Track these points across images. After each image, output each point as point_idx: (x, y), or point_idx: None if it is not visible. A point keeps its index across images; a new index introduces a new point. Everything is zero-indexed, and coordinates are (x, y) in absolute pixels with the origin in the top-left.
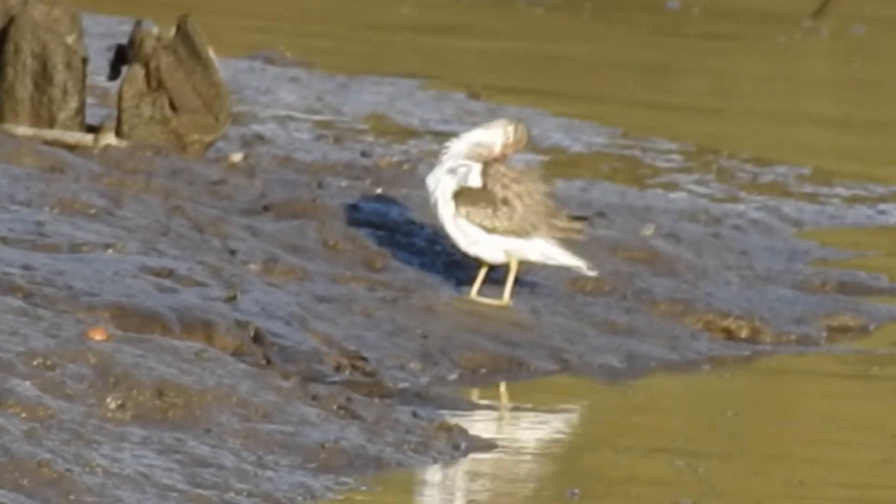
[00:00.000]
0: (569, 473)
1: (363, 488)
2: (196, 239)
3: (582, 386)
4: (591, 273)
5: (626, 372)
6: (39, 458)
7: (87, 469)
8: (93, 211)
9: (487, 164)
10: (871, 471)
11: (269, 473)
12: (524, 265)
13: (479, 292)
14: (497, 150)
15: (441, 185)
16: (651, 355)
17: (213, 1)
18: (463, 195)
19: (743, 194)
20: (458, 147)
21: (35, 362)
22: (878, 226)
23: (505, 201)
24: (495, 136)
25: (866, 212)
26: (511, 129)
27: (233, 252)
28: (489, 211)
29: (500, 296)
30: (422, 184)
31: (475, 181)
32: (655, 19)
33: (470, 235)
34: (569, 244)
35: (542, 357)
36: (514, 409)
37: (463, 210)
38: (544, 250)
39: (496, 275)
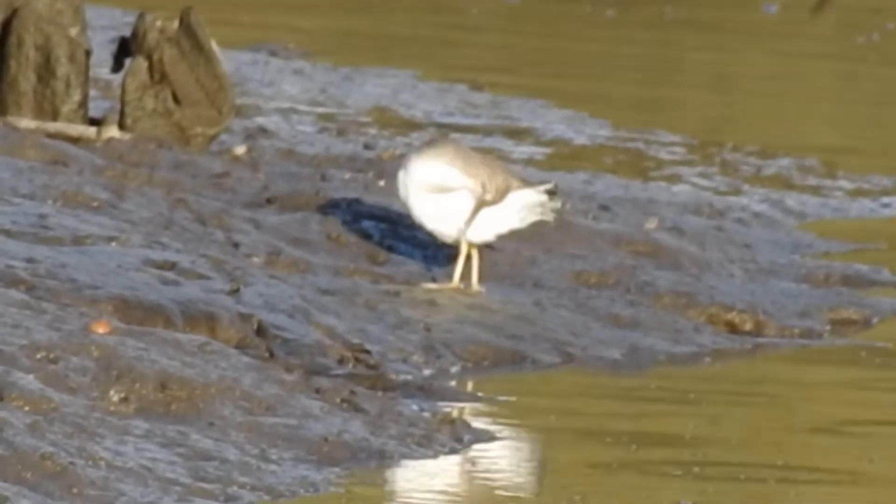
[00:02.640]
0: (570, 467)
1: (366, 481)
2: (199, 232)
3: (585, 379)
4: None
5: (630, 365)
6: (42, 451)
7: (90, 462)
8: (96, 204)
9: None
10: (873, 467)
11: (273, 467)
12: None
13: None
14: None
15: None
16: (654, 348)
17: None
18: None
19: (746, 187)
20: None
21: (38, 355)
22: (882, 219)
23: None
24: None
25: (870, 205)
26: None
27: (236, 245)
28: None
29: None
30: None
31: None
32: (657, 11)
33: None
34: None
35: (546, 350)
36: (517, 402)
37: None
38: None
39: (499, 269)
